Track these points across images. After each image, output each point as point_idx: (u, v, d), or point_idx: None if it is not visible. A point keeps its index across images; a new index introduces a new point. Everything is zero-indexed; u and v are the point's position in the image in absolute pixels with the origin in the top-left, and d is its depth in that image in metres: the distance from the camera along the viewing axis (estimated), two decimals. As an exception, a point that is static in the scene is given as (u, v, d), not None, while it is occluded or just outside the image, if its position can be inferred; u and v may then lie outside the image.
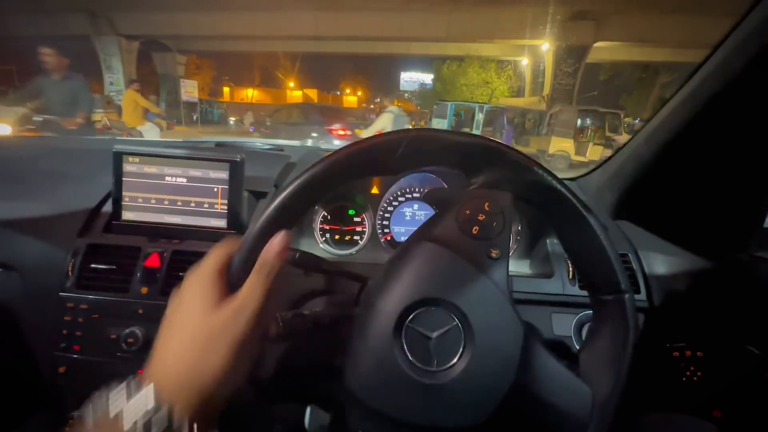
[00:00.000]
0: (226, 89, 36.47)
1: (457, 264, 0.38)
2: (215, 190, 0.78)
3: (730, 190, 0.71)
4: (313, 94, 43.77)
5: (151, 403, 0.30)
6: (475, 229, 0.40)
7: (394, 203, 0.90)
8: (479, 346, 0.36)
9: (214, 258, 0.38)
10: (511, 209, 0.41)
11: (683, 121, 0.68)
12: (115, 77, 16.65)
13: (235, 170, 0.77)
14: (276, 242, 0.37)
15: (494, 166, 0.41)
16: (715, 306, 0.73)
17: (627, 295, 0.41)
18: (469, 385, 0.36)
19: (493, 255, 0.39)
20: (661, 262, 0.77)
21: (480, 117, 11.34)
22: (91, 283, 0.74)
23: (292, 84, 38.77)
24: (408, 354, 0.36)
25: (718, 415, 0.71)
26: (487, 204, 0.40)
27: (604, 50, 15.20)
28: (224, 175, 0.78)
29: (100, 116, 6.09)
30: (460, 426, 0.36)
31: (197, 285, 0.36)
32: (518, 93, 19.93)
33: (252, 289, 0.36)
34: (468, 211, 0.40)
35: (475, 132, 11.78)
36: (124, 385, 0.31)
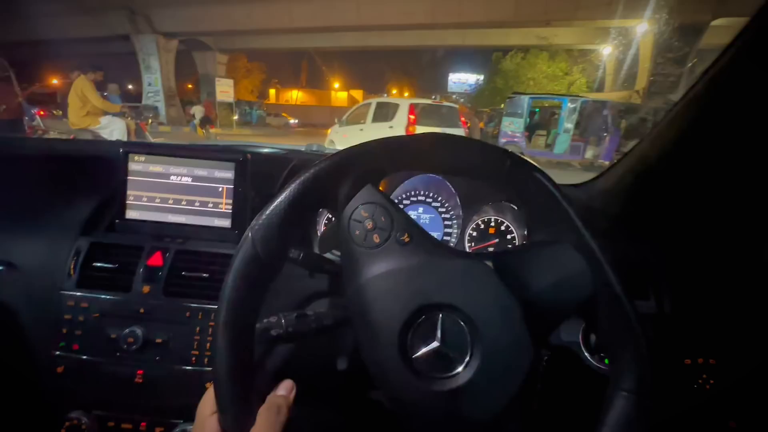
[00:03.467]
0: (272, 91, 36.12)
1: (394, 275, 0.38)
2: (220, 189, 0.78)
3: (742, 193, 0.68)
4: (358, 95, 42.51)
5: None
6: (375, 238, 0.40)
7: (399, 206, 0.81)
8: (474, 311, 0.37)
9: (203, 413, 0.38)
10: (378, 196, 0.41)
11: (691, 123, 0.65)
12: (153, 77, 16.07)
13: (241, 169, 0.77)
14: (284, 387, 0.40)
15: (342, 178, 0.41)
16: (728, 313, 0.72)
17: (508, 163, 0.41)
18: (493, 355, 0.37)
19: (406, 240, 0.40)
20: (670, 268, 0.74)
21: (571, 115, 8.45)
22: (92, 281, 0.73)
23: (337, 85, 37.73)
24: (426, 371, 0.37)
25: (733, 425, 0.70)
26: (362, 211, 0.40)
27: (720, 30, 11.72)
28: (229, 174, 0.77)
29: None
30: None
31: None
32: (596, 87, 16.59)
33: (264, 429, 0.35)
34: (357, 231, 0.40)
35: (562, 136, 9.24)
36: None
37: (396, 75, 38.20)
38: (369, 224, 0.40)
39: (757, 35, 0.49)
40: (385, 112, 6.40)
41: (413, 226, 0.41)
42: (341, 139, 6.67)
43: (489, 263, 0.40)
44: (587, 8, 11.63)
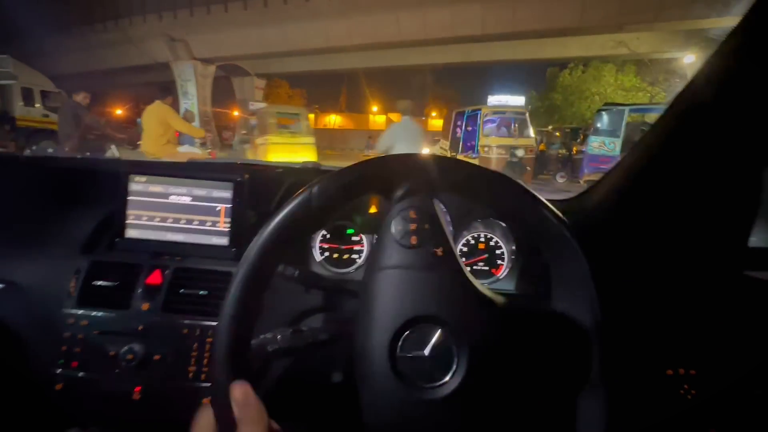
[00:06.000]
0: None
1: (413, 277, 0.41)
2: (218, 209, 0.80)
3: (720, 207, 0.69)
4: (396, 118, 41.69)
5: None
6: (413, 240, 0.42)
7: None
8: (458, 329, 0.39)
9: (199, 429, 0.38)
10: (433, 209, 0.44)
11: (674, 132, 0.65)
12: (191, 103, 15.80)
13: (239, 189, 0.79)
14: (237, 395, 0.36)
15: (407, 176, 0.44)
16: (708, 324, 0.73)
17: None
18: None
19: (439, 254, 0.42)
20: (653, 281, 0.75)
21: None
22: (92, 300, 0.75)
23: (375, 108, 37.26)
24: (412, 377, 0.39)
25: None
26: (412, 212, 0.43)
27: None
28: (228, 194, 0.79)
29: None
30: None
31: None
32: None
33: None
34: (399, 227, 0.43)
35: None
36: None
37: (436, 96, 37.11)
38: (413, 226, 0.42)
39: (743, 42, 0.49)
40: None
41: (448, 246, 0.43)
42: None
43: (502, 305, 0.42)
44: (674, 7, 9.59)
